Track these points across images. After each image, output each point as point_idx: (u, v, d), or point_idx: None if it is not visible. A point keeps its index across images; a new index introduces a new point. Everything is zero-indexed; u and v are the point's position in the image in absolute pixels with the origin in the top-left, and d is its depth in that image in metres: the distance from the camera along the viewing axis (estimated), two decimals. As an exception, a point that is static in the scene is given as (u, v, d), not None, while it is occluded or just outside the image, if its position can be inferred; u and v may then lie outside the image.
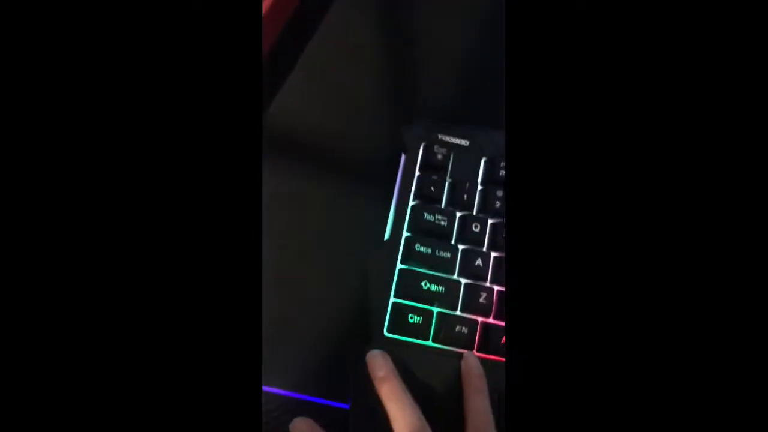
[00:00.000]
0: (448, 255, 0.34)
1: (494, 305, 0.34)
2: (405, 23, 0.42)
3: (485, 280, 0.34)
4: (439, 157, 0.35)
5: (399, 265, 0.34)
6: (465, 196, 0.35)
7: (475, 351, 0.33)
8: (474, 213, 0.35)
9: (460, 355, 0.34)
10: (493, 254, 0.34)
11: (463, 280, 0.34)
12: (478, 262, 0.34)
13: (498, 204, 0.34)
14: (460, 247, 0.34)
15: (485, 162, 0.36)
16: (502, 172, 0.35)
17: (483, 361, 0.33)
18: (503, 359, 0.33)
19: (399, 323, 0.33)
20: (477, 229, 0.34)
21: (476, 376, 0.33)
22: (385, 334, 0.34)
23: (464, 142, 0.36)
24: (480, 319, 0.34)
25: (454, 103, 0.40)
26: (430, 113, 0.39)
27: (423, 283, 0.33)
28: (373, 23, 0.42)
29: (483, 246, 0.34)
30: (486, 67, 0.42)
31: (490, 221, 0.35)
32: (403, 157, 0.36)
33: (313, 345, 0.36)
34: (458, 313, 0.34)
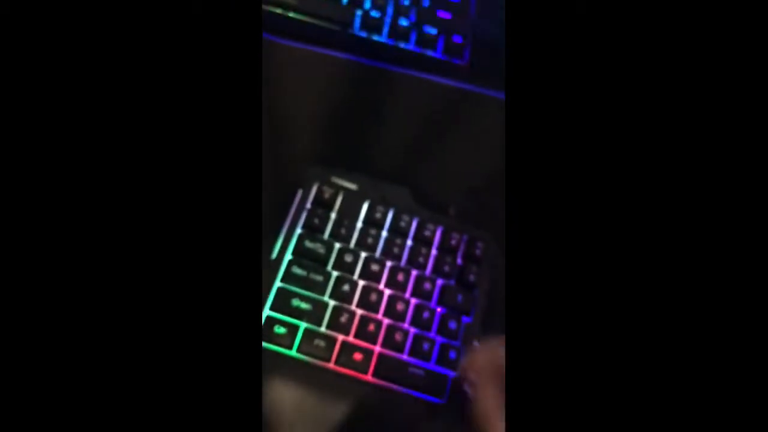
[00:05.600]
0: (321, 279, 0.42)
1: (354, 326, 0.41)
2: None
3: (351, 303, 0.42)
4: (327, 196, 0.44)
5: (278, 283, 0.41)
6: (344, 230, 0.43)
7: (332, 363, 0.40)
8: (350, 246, 0.43)
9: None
10: (361, 282, 0.42)
11: (331, 302, 0.41)
12: (346, 287, 0.41)
13: (370, 240, 0.43)
14: (334, 273, 0.42)
15: (368, 205, 0.44)
16: (378, 215, 0.44)
17: (341, 374, 0.40)
18: (359, 375, 0.40)
19: (267, 333, 0.39)
20: (350, 260, 0.42)
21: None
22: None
23: (353, 186, 0.45)
24: (341, 337, 0.40)
25: (350, 151, 0.47)
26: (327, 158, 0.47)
27: (293, 300, 0.40)
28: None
29: (354, 275, 0.42)
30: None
31: (363, 254, 0.43)
32: (299, 192, 0.44)
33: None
34: (322, 329, 0.40)
